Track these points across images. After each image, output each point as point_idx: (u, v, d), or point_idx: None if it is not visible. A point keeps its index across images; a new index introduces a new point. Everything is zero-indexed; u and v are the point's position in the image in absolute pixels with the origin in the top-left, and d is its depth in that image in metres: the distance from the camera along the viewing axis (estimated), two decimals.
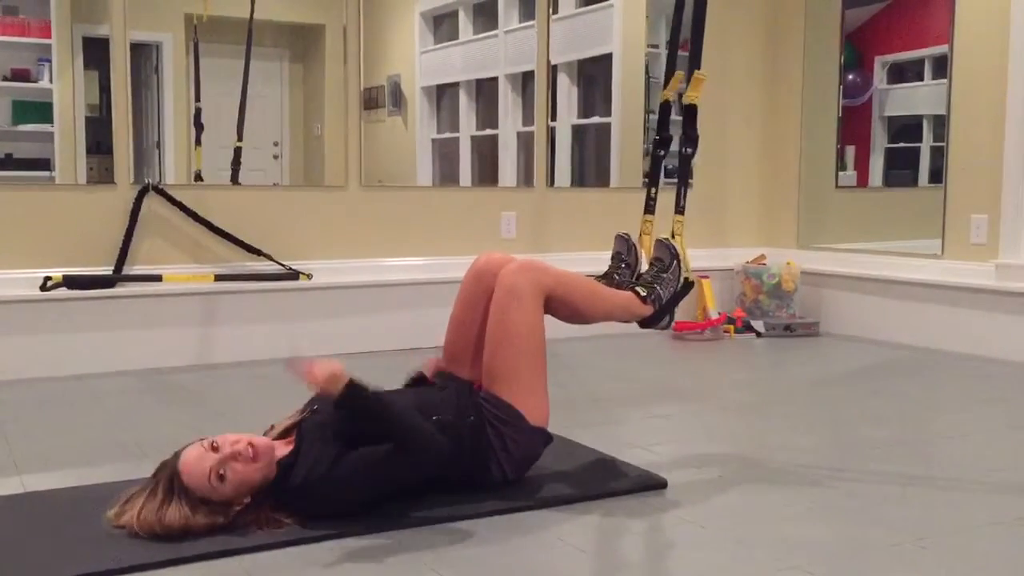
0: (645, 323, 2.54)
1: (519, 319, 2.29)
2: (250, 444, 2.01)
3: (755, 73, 5.35)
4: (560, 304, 2.38)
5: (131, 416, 3.15)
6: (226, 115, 4.31)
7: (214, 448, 1.99)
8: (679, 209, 2.56)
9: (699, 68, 2.63)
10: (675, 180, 2.77)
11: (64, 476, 2.45)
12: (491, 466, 2.24)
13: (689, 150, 2.78)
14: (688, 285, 2.55)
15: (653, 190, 2.79)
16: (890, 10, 5.05)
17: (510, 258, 2.40)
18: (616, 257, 2.66)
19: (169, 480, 1.98)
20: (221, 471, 1.97)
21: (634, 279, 2.60)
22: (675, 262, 2.55)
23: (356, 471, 2.04)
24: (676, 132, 2.79)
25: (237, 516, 2.01)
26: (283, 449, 2.10)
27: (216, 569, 1.86)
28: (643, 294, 2.50)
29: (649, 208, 2.81)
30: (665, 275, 2.53)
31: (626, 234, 2.70)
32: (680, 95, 2.73)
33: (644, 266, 2.66)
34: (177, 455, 2.02)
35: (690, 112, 2.66)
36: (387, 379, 2.41)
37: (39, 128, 3.93)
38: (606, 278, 2.62)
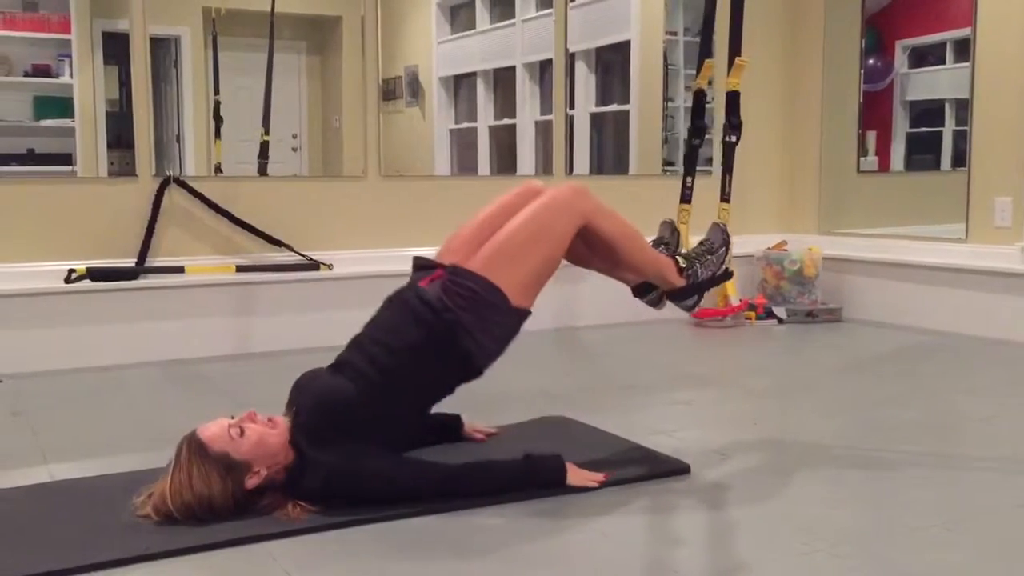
0: (673, 295, 2.51)
1: (549, 222, 2.23)
2: (268, 417, 2.08)
3: (776, 58, 5.31)
4: (600, 237, 2.31)
5: (155, 407, 3.17)
6: (245, 108, 4.32)
7: (231, 417, 2.06)
8: (725, 197, 2.54)
9: (739, 54, 2.61)
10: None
11: (90, 465, 2.47)
12: (465, 342, 2.16)
13: (733, 138, 2.76)
14: (727, 274, 2.53)
15: (689, 179, 2.77)
16: None
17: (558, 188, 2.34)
18: (658, 241, 2.62)
19: (189, 444, 2.01)
20: (239, 426, 2.02)
21: (677, 251, 2.58)
22: (724, 248, 2.53)
23: (374, 482, 2.08)
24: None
25: (255, 492, 2.02)
26: (290, 454, 2.09)
27: (242, 555, 1.88)
28: (682, 265, 2.48)
29: (685, 197, 2.83)
30: (710, 256, 2.51)
31: (672, 220, 2.68)
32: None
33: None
34: (194, 429, 2.06)
35: (732, 99, 2.62)
36: None
37: (60, 123, 3.96)
38: None
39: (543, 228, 2.23)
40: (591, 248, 2.38)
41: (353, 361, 2.20)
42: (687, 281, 2.48)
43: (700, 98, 2.69)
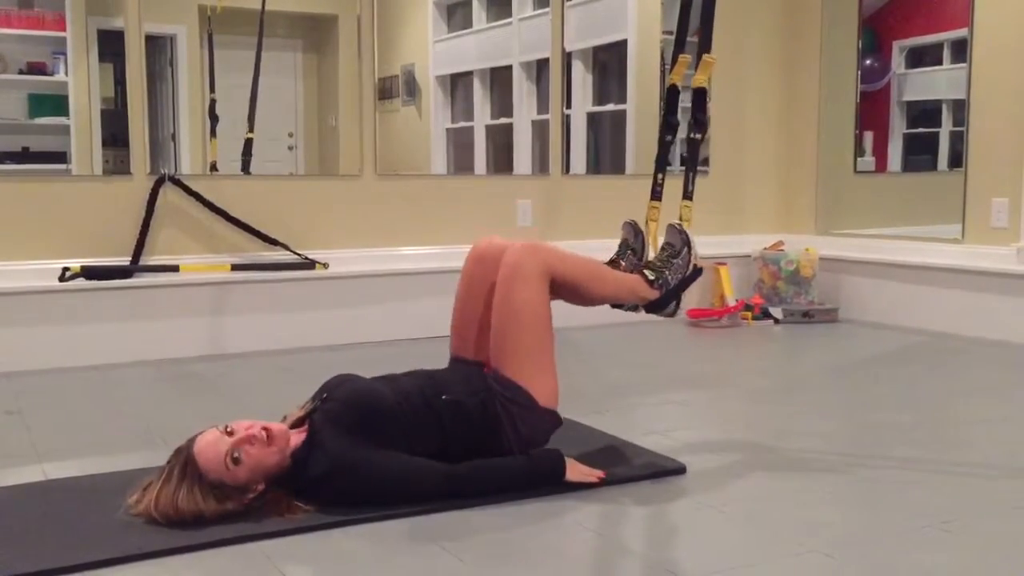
0: (651, 307, 2.52)
1: (524, 298, 2.27)
2: (264, 428, 2.03)
3: (773, 58, 5.31)
4: (565, 284, 2.37)
5: (149, 405, 3.16)
6: (241, 106, 4.31)
7: (229, 432, 2.00)
8: (687, 195, 2.53)
9: (708, 52, 2.60)
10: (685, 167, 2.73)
11: (84, 464, 2.46)
12: (501, 439, 2.23)
13: (698, 135, 2.74)
14: (697, 272, 2.53)
15: (660, 176, 2.76)
16: None
17: (511, 242, 2.38)
18: (623, 244, 2.63)
19: (184, 464, 1.98)
20: (236, 454, 1.98)
21: (641, 264, 2.58)
22: (686, 248, 2.53)
23: (380, 474, 2.07)
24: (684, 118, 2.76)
25: (251, 502, 2.02)
26: (297, 438, 2.10)
27: (236, 555, 1.87)
28: (651, 278, 2.48)
29: (656, 194, 2.79)
30: (675, 260, 2.51)
31: (633, 221, 2.68)
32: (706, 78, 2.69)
33: (651, 254, 2.63)
34: (192, 440, 2.02)
35: (699, 96, 2.63)
36: (402, 366, 2.41)
37: (55, 121, 3.94)
38: (612, 264, 2.60)
39: (527, 304, 2.27)
40: (561, 295, 2.42)
41: (403, 381, 2.25)
42: (660, 291, 2.48)
43: (673, 94, 2.69)
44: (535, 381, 2.27)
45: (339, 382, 2.24)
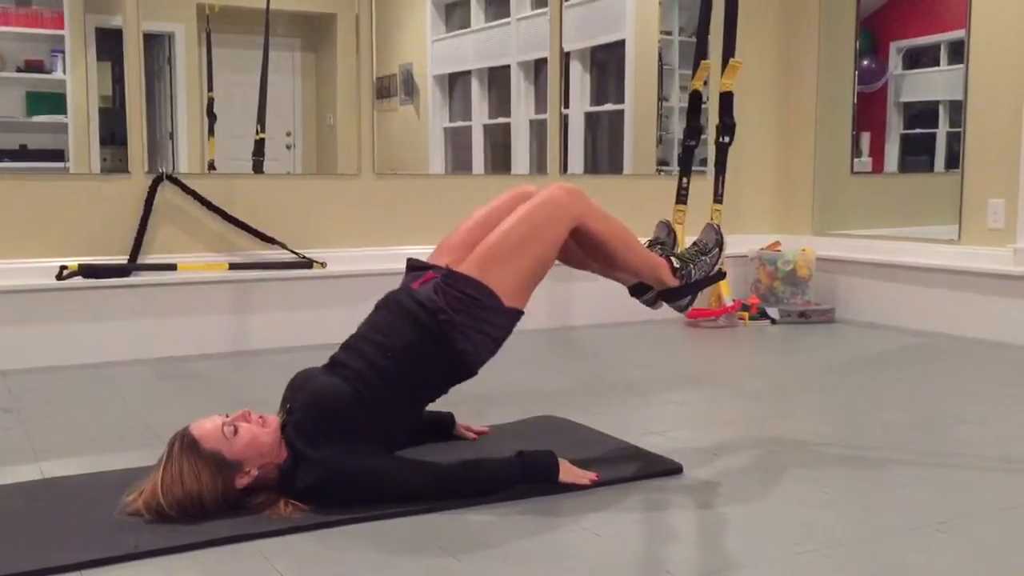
0: (667, 295, 2.52)
1: (541, 223, 2.23)
2: (260, 416, 2.08)
3: (770, 59, 5.32)
4: (594, 240, 2.33)
5: (147, 404, 3.16)
6: (238, 105, 4.31)
7: (225, 415, 2.06)
8: (718, 198, 2.54)
9: (734, 55, 2.61)
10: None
11: (81, 462, 2.46)
12: (461, 350, 2.18)
13: (726, 139, 2.76)
14: (720, 274, 2.55)
15: (685, 180, 2.76)
16: None
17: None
18: (655, 241, 2.63)
19: (181, 440, 2.00)
20: (234, 425, 2.01)
21: (670, 252, 2.58)
22: (717, 249, 2.54)
23: (368, 479, 2.07)
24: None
25: (246, 489, 2.02)
26: (281, 451, 2.09)
27: (232, 553, 1.87)
28: (676, 265, 2.49)
29: (681, 198, 2.83)
30: (704, 258, 2.52)
31: (667, 220, 2.68)
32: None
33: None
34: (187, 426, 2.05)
35: (726, 100, 2.63)
36: None
37: (53, 119, 3.94)
38: None
39: (535, 229, 2.24)
40: (585, 249, 2.39)
41: (348, 361, 2.21)
42: (681, 281, 2.49)
43: (696, 99, 2.69)
44: (510, 290, 2.20)
45: (297, 387, 2.23)
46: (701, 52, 2.69)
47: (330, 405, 2.12)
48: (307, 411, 2.11)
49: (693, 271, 2.50)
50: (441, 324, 2.16)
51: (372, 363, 2.17)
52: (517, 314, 2.25)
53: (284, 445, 2.09)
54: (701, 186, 4.48)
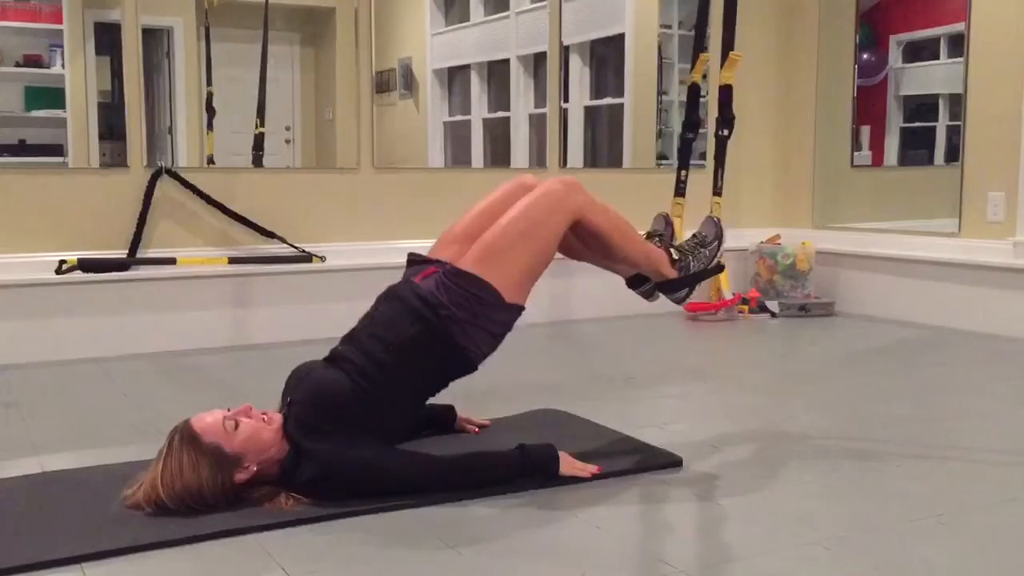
0: (665, 287, 2.52)
1: (541, 217, 2.23)
2: (263, 412, 2.08)
3: (770, 53, 5.31)
4: (593, 232, 2.33)
5: (146, 398, 3.16)
6: (237, 99, 4.30)
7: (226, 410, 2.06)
8: (717, 191, 2.54)
9: (733, 49, 2.60)
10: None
11: (81, 456, 2.46)
12: (460, 338, 2.18)
13: (726, 132, 2.75)
14: (719, 267, 2.54)
15: (683, 172, 2.76)
16: None
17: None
18: (653, 233, 2.62)
19: (181, 432, 2.00)
20: (235, 420, 2.01)
21: (669, 244, 2.58)
22: (717, 242, 2.54)
23: (369, 472, 2.07)
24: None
25: (247, 484, 2.02)
26: (283, 447, 2.09)
27: (233, 546, 1.87)
28: (675, 257, 2.49)
29: (679, 191, 2.83)
30: (703, 250, 2.52)
31: (666, 213, 2.68)
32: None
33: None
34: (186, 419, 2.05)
35: (725, 93, 2.63)
36: None
37: (52, 114, 3.93)
38: None
39: (535, 223, 2.24)
40: (583, 242, 2.40)
41: (348, 354, 2.21)
42: (679, 273, 2.49)
43: (694, 92, 2.68)
44: (510, 286, 2.21)
45: (297, 381, 2.23)
46: (700, 45, 2.69)
47: (330, 399, 2.12)
48: (307, 405, 2.11)
49: (692, 263, 2.50)
50: (442, 319, 2.17)
51: (372, 357, 2.17)
52: (518, 310, 2.25)
53: (285, 439, 2.09)
54: (700, 179, 4.48)
